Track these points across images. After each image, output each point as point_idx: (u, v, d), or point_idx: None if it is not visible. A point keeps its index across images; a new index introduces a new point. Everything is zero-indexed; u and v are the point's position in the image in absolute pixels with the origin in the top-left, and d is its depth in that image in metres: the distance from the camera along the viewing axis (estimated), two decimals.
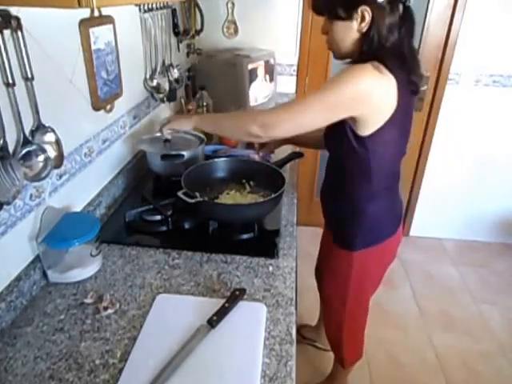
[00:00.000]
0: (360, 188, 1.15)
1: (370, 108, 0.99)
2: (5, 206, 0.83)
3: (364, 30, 1.00)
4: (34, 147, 0.89)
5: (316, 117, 1.01)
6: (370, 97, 0.97)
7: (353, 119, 1.02)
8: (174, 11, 1.87)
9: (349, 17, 1.00)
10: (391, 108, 1.00)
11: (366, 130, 1.02)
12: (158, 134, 1.41)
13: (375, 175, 1.11)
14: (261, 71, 2.13)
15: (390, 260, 1.34)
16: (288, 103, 1.05)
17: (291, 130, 1.05)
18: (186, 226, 1.24)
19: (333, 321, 1.49)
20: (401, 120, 1.04)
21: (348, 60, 1.09)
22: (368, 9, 0.97)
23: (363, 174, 1.11)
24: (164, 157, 1.38)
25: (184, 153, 1.38)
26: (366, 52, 1.00)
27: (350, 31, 1.02)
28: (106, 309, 0.91)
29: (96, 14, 1.19)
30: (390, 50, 1.00)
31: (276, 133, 1.06)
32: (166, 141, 1.38)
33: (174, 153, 1.38)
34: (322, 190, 1.33)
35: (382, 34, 0.98)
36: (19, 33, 0.82)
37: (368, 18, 0.98)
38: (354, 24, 1.00)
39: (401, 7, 1.00)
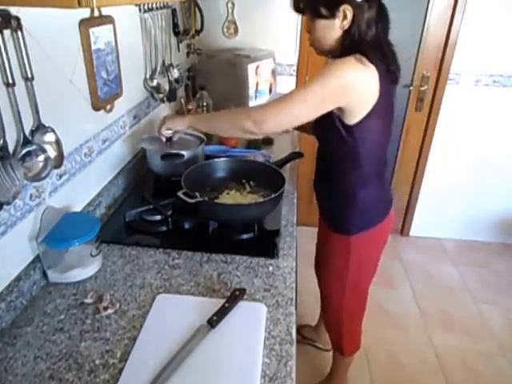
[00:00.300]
0: (351, 174, 1.19)
1: (355, 98, 1.04)
2: (5, 206, 0.83)
3: (346, 27, 1.05)
4: (34, 147, 0.89)
5: (305, 110, 1.06)
6: (355, 87, 1.02)
7: (340, 109, 1.06)
8: (174, 11, 1.87)
9: (331, 15, 1.05)
10: (374, 97, 1.05)
11: (353, 119, 1.07)
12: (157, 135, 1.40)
13: (364, 161, 1.16)
14: (261, 71, 2.13)
15: (384, 244, 1.36)
16: (279, 98, 1.08)
17: (284, 123, 1.10)
18: (186, 226, 1.24)
19: (332, 311, 1.49)
20: (384, 108, 1.10)
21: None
22: (349, 7, 1.02)
23: (353, 160, 1.16)
24: (164, 157, 1.38)
25: (184, 152, 1.38)
26: (348, 47, 1.06)
27: (332, 29, 1.07)
28: (106, 309, 0.91)
29: (96, 13, 1.19)
30: (370, 43, 1.06)
31: (269, 127, 1.09)
32: (168, 140, 1.37)
33: (173, 152, 1.38)
34: (314, 180, 1.36)
35: (362, 29, 1.04)
36: (19, 33, 0.82)
37: (350, 15, 1.03)
38: (337, 22, 1.05)
39: (376, 5, 1.06)
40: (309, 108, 1.05)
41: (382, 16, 1.07)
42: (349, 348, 1.56)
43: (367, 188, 1.20)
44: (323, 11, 1.04)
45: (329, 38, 1.09)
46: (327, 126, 1.13)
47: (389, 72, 1.07)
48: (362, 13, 1.03)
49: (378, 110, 1.06)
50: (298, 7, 1.13)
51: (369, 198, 1.21)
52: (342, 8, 1.02)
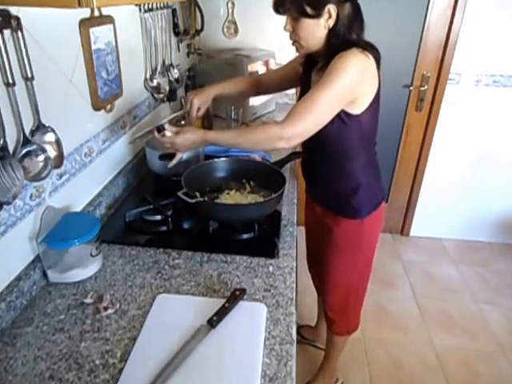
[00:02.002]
0: (356, 159, 1.22)
1: (366, 87, 1.09)
2: (5, 206, 0.83)
3: (331, 25, 1.08)
4: (34, 147, 0.89)
5: (329, 111, 1.07)
6: (365, 77, 1.07)
7: (350, 101, 1.09)
8: (174, 11, 1.87)
9: (317, 15, 1.06)
10: (376, 86, 1.11)
11: (360, 108, 1.11)
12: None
13: (366, 147, 1.23)
14: (261, 71, 2.13)
15: (383, 224, 1.42)
16: (300, 108, 1.06)
17: (312, 132, 1.09)
18: (186, 226, 1.24)
19: (339, 294, 1.47)
20: (378, 93, 1.14)
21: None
22: (334, 6, 1.04)
23: (357, 147, 1.20)
24: (162, 157, 1.38)
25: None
26: (334, 45, 1.08)
27: (318, 28, 1.08)
28: (106, 309, 0.91)
29: (96, 13, 1.19)
30: (356, 39, 1.10)
31: (300, 140, 1.10)
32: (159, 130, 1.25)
33: (172, 152, 1.37)
34: (312, 175, 1.36)
35: (346, 27, 1.08)
36: (19, 33, 0.82)
37: (334, 14, 1.05)
38: (322, 21, 1.07)
39: (352, 4, 1.09)
40: (331, 108, 1.07)
41: (358, 14, 1.10)
42: (352, 326, 1.57)
43: (370, 168, 1.27)
44: (309, 11, 1.05)
45: (315, 37, 1.10)
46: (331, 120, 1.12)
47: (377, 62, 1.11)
48: (344, 11, 1.06)
49: (377, 96, 1.12)
50: (281, 8, 1.10)
51: (372, 178, 1.28)
52: (327, 7, 1.04)
